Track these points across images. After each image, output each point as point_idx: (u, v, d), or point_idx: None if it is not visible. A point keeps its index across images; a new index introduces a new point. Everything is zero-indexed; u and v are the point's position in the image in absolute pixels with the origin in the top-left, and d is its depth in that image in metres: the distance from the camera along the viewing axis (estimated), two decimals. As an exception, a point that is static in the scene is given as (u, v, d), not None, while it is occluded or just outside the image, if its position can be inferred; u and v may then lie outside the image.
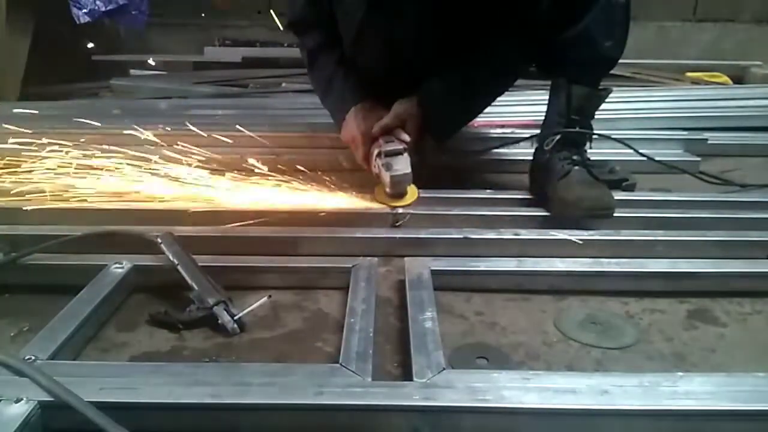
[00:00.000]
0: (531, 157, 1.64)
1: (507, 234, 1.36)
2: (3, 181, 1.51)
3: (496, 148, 1.88)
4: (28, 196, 1.44)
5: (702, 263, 1.26)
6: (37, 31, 2.94)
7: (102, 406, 0.76)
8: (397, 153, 1.46)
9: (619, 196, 1.50)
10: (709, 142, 2.19)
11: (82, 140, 1.69)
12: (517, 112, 2.33)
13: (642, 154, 1.74)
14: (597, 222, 1.39)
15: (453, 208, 1.49)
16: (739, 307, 1.17)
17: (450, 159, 1.83)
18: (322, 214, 1.40)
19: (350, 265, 1.21)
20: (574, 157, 1.49)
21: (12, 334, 1.05)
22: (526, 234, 1.36)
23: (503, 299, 1.19)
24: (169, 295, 1.14)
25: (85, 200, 1.44)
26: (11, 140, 1.68)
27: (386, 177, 1.44)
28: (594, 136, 1.55)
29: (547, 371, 0.96)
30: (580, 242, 1.32)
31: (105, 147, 1.66)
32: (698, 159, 2.01)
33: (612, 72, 1.63)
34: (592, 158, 1.54)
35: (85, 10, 2.88)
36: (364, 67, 1.62)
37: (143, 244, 1.22)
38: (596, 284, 1.22)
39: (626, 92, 2.58)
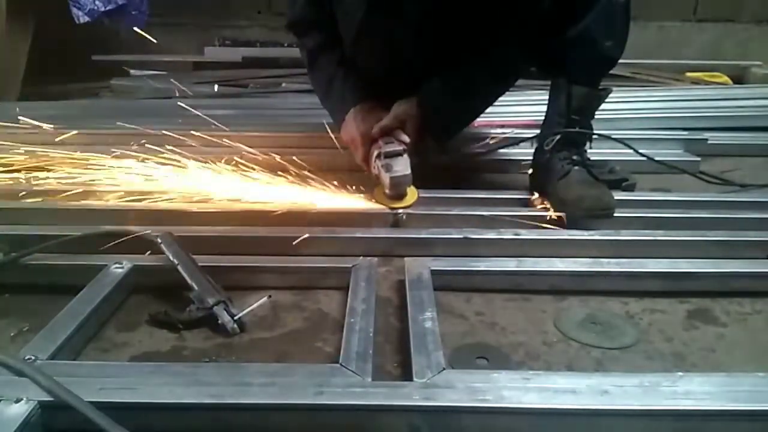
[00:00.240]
0: (531, 157, 1.64)
1: (507, 234, 1.36)
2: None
3: (497, 149, 1.88)
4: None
5: (702, 263, 1.26)
6: (37, 31, 2.94)
7: (102, 406, 0.76)
8: (397, 154, 1.46)
9: (619, 196, 1.50)
10: (709, 142, 2.20)
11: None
12: (517, 112, 2.33)
13: (642, 154, 1.74)
14: (597, 222, 1.39)
15: (453, 208, 1.49)
16: (739, 307, 1.17)
17: (450, 159, 1.83)
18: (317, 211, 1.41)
19: (350, 265, 1.21)
20: (574, 157, 1.49)
21: (12, 334, 1.05)
22: (526, 234, 1.36)
23: (503, 299, 1.19)
24: (169, 295, 1.14)
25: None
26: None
27: (386, 178, 1.44)
28: (594, 136, 1.55)
29: (547, 371, 0.96)
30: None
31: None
32: (698, 159, 2.01)
33: (612, 72, 1.63)
34: (592, 158, 1.55)
35: (84, 11, 2.88)
36: (364, 67, 1.62)
37: (143, 244, 1.22)
38: (596, 284, 1.22)
39: (626, 92, 2.58)
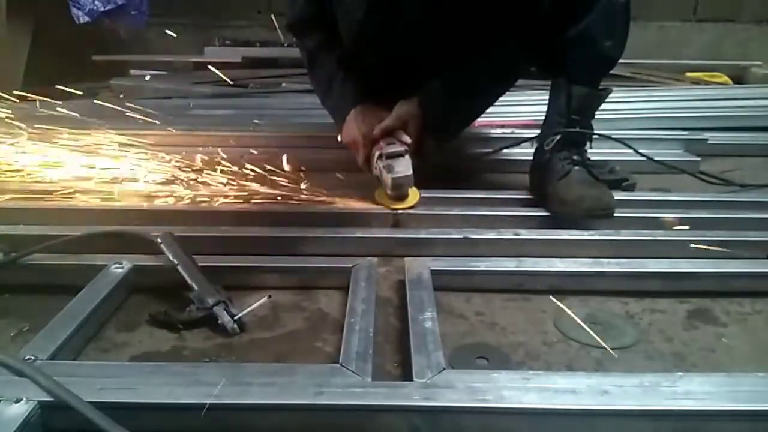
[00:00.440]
0: (531, 157, 1.64)
1: (507, 234, 1.36)
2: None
3: (498, 150, 1.88)
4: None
5: (702, 263, 1.26)
6: (37, 31, 2.94)
7: (102, 406, 0.76)
8: (399, 155, 1.46)
9: (619, 196, 1.50)
10: (709, 142, 2.19)
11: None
12: (517, 112, 2.34)
13: (642, 154, 1.74)
14: (597, 222, 1.39)
15: (453, 208, 1.49)
16: (739, 307, 1.17)
17: (450, 160, 1.83)
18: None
19: (350, 265, 1.21)
20: (574, 157, 1.49)
21: (12, 334, 1.05)
22: (526, 234, 1.36)
23: (503, 299, 1.19)
24: (169, 295, 1.14)
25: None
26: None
27: (387, 179, 1.44)
28: (594, 136, 1.55)
29: (547, 371, 0.96)
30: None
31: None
32: (698, 159, 2.01)
33: (612, 72, 1.63)
34: (592, 158, 1.54)
35: (84, 11, 2.88)
36: (364, 67, 1.62)
37: (143, 244, 1.22)
38: (596, 284, 1.22)
39: (626, 92, 2.58)
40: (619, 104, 2.37)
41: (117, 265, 1.18)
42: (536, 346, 1.04)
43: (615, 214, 1.39)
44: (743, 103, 2.56)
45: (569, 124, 1.51)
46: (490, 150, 1.88)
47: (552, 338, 1.07)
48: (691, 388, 0.82)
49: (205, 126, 2.13)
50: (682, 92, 2.76)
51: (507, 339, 1.07)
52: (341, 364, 0.89)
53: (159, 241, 1.19)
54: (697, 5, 3.69)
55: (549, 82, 1.62)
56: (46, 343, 0.93)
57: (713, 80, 3.19)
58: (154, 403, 0.80)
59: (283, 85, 2.96)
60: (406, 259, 1.24)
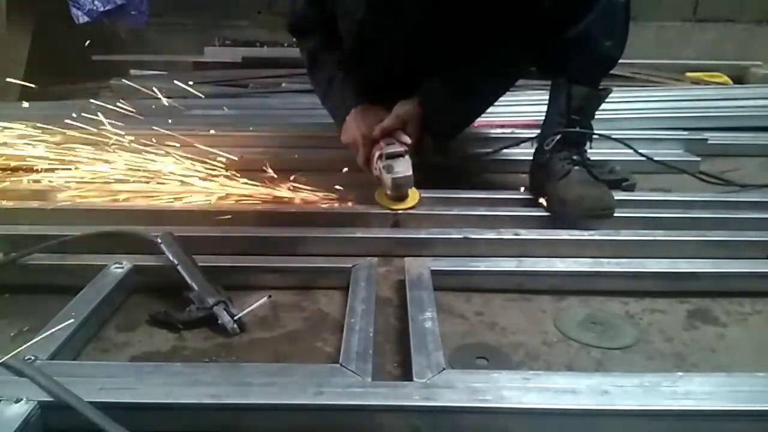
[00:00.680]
0: (531, 157, 1.64)
1: (507, 234, 1.36)
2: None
3: (499, 150, 1.88)
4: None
5: (702, 263, 1.26)
6: (37, 31, 2.94)
7: (102, 406, 0.76)
8: (398, 155, 1.46)
9: (619, 196, 1.50)
10: (709, 142, 2.19)
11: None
12: (517, 112, 2.34)
13: (642, 154, 1.74)
14: (597, 222, 1.39)
15: (453, 208, 1.49)
16: (739, 307, 1.17)
17: (450, 160, 1.83)
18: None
19: (350, 265, 1.21)
20: (574, 157, 1.49)
21: (12, 334, 1.05)
22: (526, 234, 1.36)
23: (503, 299, 1.19)
24: (169, 295, 1.14)
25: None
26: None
27: (387, 179, 1.44)
28: (594, 136, 1.55)
29: (547, 371, 0.96)
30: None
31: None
32: (698, 159, 2.01)
33: (612, 72, 1.63)
34: (592, 158, 1.54)
35: (83, 11, 2.88)
36: (364, 67, 1.62)
37: (143, 244, 1.22)
38: (596, 284, 1.22)
39: (626, 92, 2.58)
40: (619, 104, 2.37)
41: (117, 265, 1.18)
42: (536, 346, 1.04)
43: (615, 214, 1.39)
44: (743, 103, 2.56)
45: (569, 124, 1.51)
46: (490, 150, 1.88)
47: (552, 338, 1.07)
48: (691, 388, 0.83)
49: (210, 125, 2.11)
50: (682, 92, 2.76)
51: (507, 339, 1.07)
52: (341, 364, 0.89)
53: (159, 241, 1.19)
54: (697, 5, 3.69)
55: (549, 82, 1.62)
56: (46, 343, 0.93)
57: (713, 80, 3.19)
58: (154, 403, 0.80)
59: (283, 85, 2.96)
60: (406, 259, 1.24)
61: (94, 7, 2.90)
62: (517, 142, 1.87)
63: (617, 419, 0.80)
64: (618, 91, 1.92)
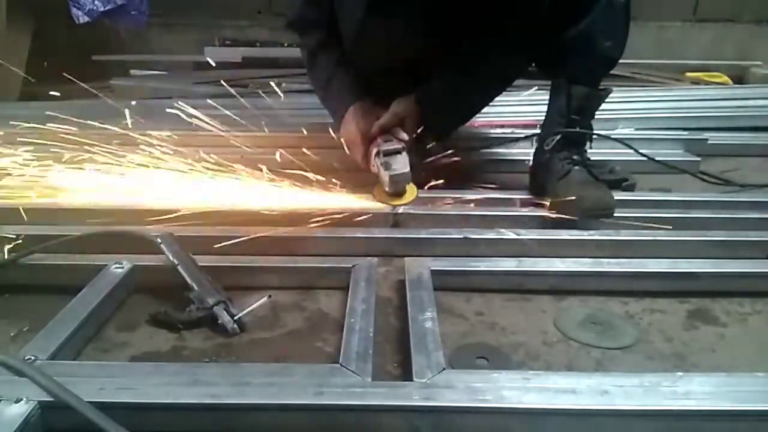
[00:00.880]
0: (531, 157, 1.64)
1: (507, 234, 1.36)
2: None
3: (496, 146, 1.88)
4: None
5: (702, 263, 1.26)
6: (37, 31, 2.94)
7: (102, 406, 0.76)
8: (396, 152, 1.47)
9: (619, 196, 1.50)
10: (709, 142, 2.20)
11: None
12: (517, 112, 2.34)
13: (642, 154, 1.74)
14: (597, 222, 1.39)
15: (453, 208, 1.49)
16: (739, 307, 1.17)
17: (450, 160, 1.83)
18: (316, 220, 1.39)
19: (350, 265, 1.21)
20: (574, 157, 1.49)
21: (12, 334, 1.05)
22: (526, 234, 1.36)
23: (503, 299, 1.19)
24: (169, 295, 1.14)
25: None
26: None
27: (385, 176, 1.45)
28: (594, 136, 1.55)
29: (547, 371, 0.96)
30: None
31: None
32: (698, 159, 2.01)
33: (612, 72, 1.63)
34: (592, 158, 1.54)
35: (84, 11, 2.88)
36: (364, 67, 1.62)
37: (143, 244, 1.22)
38: (596, 284, 1.22)
39: (626, 92, 2.58)
40: (619, 104, 2.37)
41: (117, 265, 1.18)
42: (536, 346, 1.04)
43: (615, 214, 1.39)
44: (743, 103, 2.56)
45: (569, 124, 1.51)
46: (490, 149, 1.88)
47: (552, 338, 1.07)
48: (691, 388, 0.83)
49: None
50: (682, 92, 2.77)
51: (507, 339, 1.07)
52: (341, 364, 0.89)
53: (159, 241, 1.19)
54: (697, 5, 3.69)
55: (549, 82, 1.62)
56: (46, 343, 0.93)
57: (713, 80, 3.19)
58: (154, 403, 0.80)
59: (283, 85, 2.96)
60: (406, 259, 1.24)
61: (95, 7, 2.90)
62: (516, 139, 1.87)
63: (617, 419, 0.80)
64: (618, 91, 1.92)
